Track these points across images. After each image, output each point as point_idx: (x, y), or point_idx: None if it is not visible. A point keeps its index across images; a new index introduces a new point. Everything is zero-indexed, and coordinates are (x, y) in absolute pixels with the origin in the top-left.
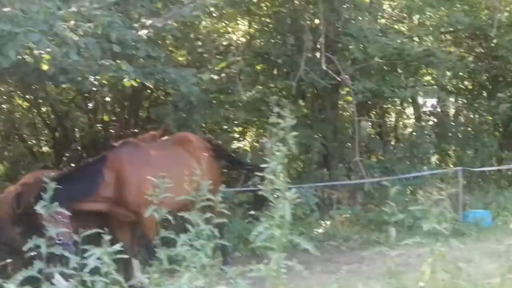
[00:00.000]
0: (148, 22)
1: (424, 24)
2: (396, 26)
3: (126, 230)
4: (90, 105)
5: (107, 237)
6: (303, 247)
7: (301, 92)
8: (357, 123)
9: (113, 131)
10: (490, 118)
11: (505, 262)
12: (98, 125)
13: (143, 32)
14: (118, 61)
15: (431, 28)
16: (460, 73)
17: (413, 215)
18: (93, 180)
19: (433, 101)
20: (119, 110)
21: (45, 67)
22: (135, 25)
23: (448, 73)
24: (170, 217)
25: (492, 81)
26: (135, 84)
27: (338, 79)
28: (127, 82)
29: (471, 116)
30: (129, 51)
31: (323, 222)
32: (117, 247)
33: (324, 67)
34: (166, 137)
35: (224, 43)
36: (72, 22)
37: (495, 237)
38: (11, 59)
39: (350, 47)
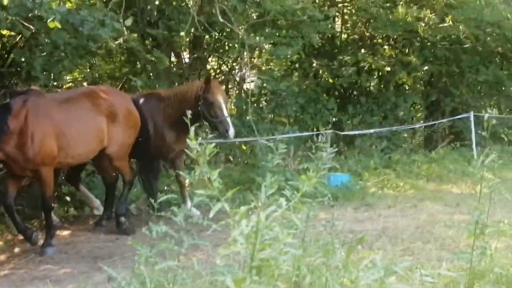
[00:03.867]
0: None
1: None
2: None
3: (16, 183)
4: None
5: None
6: None
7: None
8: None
9: None
10: (331, 81)
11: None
12: None
13: None
14: None
15: None
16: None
17: (285, 176)
18: None
19: None
20: None
21: None
22: None
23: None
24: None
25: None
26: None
27: (238, 32)
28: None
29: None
30: None
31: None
32: None
33: (221, 19)
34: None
35: None
36: None
37: (359, 199)
38: None
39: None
